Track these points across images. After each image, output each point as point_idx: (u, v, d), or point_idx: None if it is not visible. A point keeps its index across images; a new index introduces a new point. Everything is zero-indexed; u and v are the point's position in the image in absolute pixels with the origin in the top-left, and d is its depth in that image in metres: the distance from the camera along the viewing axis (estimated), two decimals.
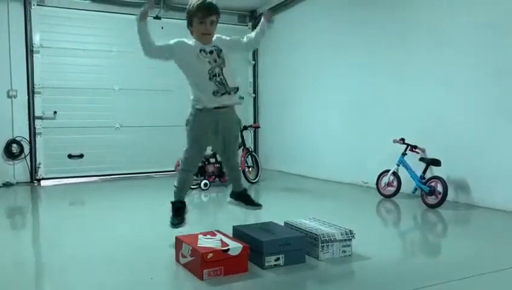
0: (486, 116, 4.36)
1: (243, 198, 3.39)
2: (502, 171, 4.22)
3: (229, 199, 3.49)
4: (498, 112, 4.26)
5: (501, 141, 4.24)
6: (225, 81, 2.98)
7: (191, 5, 2.99)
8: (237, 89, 3.08)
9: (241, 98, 3.81)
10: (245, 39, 3.22)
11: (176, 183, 3.22)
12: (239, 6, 7.98)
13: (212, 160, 6.03)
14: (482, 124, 4.41)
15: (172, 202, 3.20)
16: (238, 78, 3.26)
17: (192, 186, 5.77)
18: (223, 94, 2.98)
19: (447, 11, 4.71)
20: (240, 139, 6.31)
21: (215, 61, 2.98)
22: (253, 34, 3.22)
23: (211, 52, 2.99)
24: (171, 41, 3.05)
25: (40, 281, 2.73)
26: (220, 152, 3.34)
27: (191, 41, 3.04)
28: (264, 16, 3.18)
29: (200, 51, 2.97)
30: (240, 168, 3.45)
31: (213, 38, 3.03)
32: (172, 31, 8.37)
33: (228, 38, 3.14)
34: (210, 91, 2.96)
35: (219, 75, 2.97)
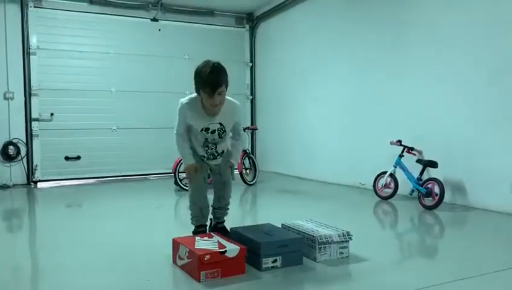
0: (483, 118, 4.38)
1: (215, 229, 3.29)
2: (499, 173, 4.23)
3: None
4: (495, 114, 4.28)
5: (497, 143, 4.25)
6: (216, 150, 3.12)
7: (199, 75, 2.87)
8: (223, 155, 3.19)
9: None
10: (236, 133, 3.25)
11: (192, 213, 3.22)
12: (236, 9, 7.99)
13: None
14: (478, 126, 4.42)
15: (195, 227, 3.23)
16: (242, 132, 3.32)
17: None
18: (208, 159, 3.16)
19: (444, 12, 4.73)
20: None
21: (213, 139, 3.07)
22: (234, 142, 3.26)
23: (213, 131, 3.03)
24: (185, 117, 3.02)
25: (36, 284, 2.72)
26: (214, 186, 3.34)
27: (199, 105, 2.98)
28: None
29: (202, 130, 3.01)
30: (227, 204, 3.36)
31: (223, 107, 2.97)
32: (170, 33, 8.39)
33: (237, 118, 3.16)
34: (200, 151, 3.13)
35: (211, 148, 3.11)
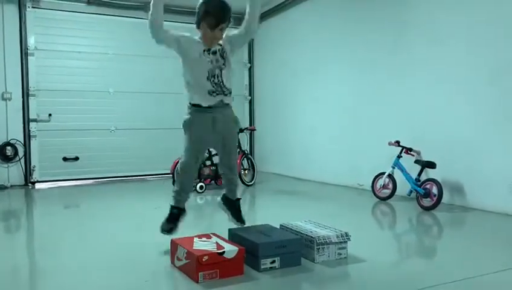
0: (482, 119, 4.38)
1: (231, 208, 3.30)
2: (497, 174, 4.23)
3: (219, 199, 3.38)
4: (493, 114, 4.28)
5: (496, 144, 4.26)
6: (222, 82, 2.96)
7: (205, 4, 2.90)
8: (231, 91, 3.05)
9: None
10: (242, 25, 3.11)
11: (174, 187, 3.16)
12: (235, 9, 7.93)
13: (208, 162, 6.02)
14: (477, 127, 4.43)
15: (171, 206, 3.16)
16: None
17: None
18: (218, 94, 2.96)
19: (444, 12, 4.73)
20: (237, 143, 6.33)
21: (217, 61, 2.95)
22: (246, 14, 3.08)
23: (214, 52, 2.95)
24: (180, 33, 2.98)
25: (35, 284, 2.71)
26: (220, 156, 3.23)
27: (197, 36, 2.99)
28: None
29: (204, 51, 2.94)
30: (237, 182, 3.30)
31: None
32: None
33: (232, 34, 3.06)
34: (206, 90, 2.93)
35: (217, 77, 2.94)
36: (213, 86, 2.93)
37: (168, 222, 3.09)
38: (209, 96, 2.94)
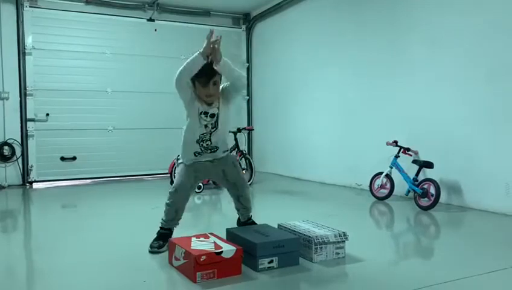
0: (479, 119, 4.39)
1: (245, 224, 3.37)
2: (495, 174, 4.24)
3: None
4: (491, 115, 4.30)
5: (493, 144, 4.27)
6: (210, 145, 3.08)
7: None
8: (220, 148, 3.12)
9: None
10: (229, 86, 3.10)
11: (163, 217, 3.14)
12: (233, 9, 7.99)
13: None
14: (474, 126, 4.44)
15: (160, 227, 3.15)
16: (228, 129, 3.29)
17: None
18: (202, 154, 3.09)
19: (441, 12, 4.74)
20: (235, 142, 6.32)
21: (212, 126, 3.02)
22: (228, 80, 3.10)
23: (212, 115, 3.00)
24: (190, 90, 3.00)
25: (32, 285, 2.70)
26: (227, 188, 3.33)
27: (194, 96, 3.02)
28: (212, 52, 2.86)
29: (201, 113, 2.98)
30: (250, 202, 3.37)
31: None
32: (166, 33, 8.37)
33: (222, 86, 3.07)
34: (193, 151, 3.07)
35: (206, 141, 3.05)
36: (201, 149, 3.07)
37: (158, 239, 3.07)
38: (194, 157, 3.09)
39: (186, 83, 2.93)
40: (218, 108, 3.02)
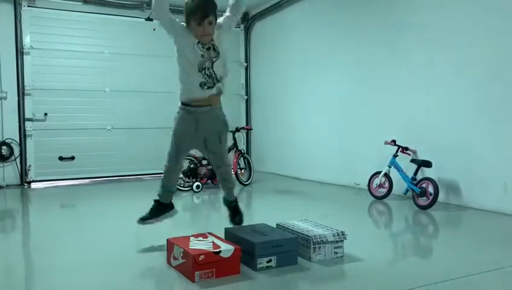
0: (477, 118, 4.40)
1: (229, 209, 3.42)
2: (492, 173, 4.25)
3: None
4: (489, 114, 4.30)
5: (491, 143, 4.27)
6: (214, 73, 2.99)
7: (187, 4, 2.92)
8: (223, 76, 3.08)
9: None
10: (227, 12, 3.12)
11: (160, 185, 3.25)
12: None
13: (205, 162, 6.01)
14: (473, 125, 4.44)
15: (154, 200, 3.26)
16: (228, 63, 3.15)
17: (185, 189, 5.76)
18: (209, 88, 2.99)
19: (440, 11, 4.74)
20: (233, 142, 6.32)
21: (209, 55, 2.96)
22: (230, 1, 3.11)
23: (208, 48, 2.96)
24: (181, 22, 2.99)
25: (30, 284, 2.70)
26: (206, 157, 3.35)
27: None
28: None
29: (198, 42, 2.94)
30: (232, 178, 3.40)
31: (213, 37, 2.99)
32: (164, 33, 8.31)
33: (219, 22, 3.04)
34: (197, 82, 2.96)
35: (208, 69, 2.97)
36: (204, 78, 2.97)
37: (151, 213, 3.24)
38: (200, 89, 2.97)
39: (169, 18, 2.94)
40: (214, 44, 2.97)
